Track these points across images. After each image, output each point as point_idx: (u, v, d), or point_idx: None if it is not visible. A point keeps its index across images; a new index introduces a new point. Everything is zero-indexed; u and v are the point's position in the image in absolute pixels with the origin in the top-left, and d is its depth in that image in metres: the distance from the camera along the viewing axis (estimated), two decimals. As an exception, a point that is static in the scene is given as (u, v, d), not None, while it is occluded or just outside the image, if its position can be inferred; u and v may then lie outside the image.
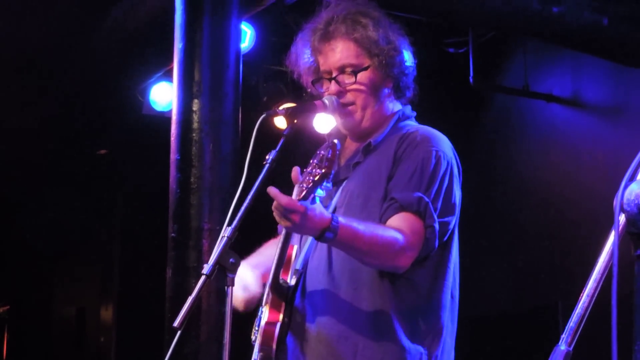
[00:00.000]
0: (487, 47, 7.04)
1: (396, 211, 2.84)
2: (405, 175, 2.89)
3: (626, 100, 6.50)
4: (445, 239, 2.93)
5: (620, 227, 1.64)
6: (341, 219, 2.73)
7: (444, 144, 2.99)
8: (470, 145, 7.40)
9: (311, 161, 2.73)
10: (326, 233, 2.69)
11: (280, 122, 5.07)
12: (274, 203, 2.63)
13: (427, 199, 2.84)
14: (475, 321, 6.51)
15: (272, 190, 2.63)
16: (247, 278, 3.01)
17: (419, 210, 2.83)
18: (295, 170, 2.72)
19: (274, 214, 2.66)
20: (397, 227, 2.82)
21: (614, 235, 1.63)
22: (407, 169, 2.90)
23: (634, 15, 6.08)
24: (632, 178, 1.65)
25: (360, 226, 2.79)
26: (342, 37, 3.00)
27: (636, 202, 1.61)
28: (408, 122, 3.10)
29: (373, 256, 2.83)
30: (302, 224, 2.67)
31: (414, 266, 2.85)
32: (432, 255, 2.90)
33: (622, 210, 1.62)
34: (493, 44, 7.11)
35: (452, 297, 3.01)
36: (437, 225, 2.85)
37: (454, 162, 2.99)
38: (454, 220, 2.96)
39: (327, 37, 3.02)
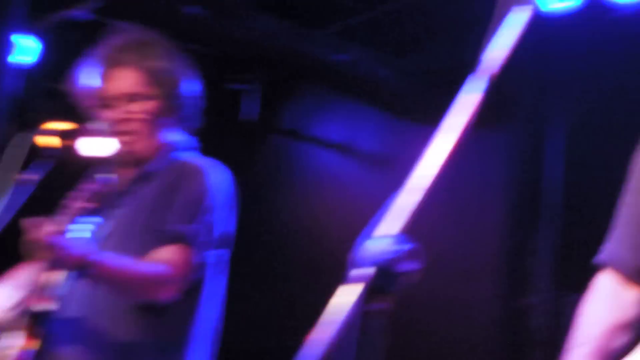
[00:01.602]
0: (271, 87, 7.13)
1: (163, 243, 2.84)
2: (175, 208, 2.89)
3: (396, 151, 6.65)
4: (210, 269, 2.95)
5: (362, 279, 1.66)
6: (100, 256, 2.69)
7: (218, 177, 3.00)
8: (245, 184, 7.47)
9: (73, 193, 2.70)
10: (83, 269, 2.65)
11: (49, 142, 5.11)
12: (26, 235, 2.59)
13: (194, 231, 2.85)
14: (234, 354, 6.53)
15: (25, 222, 2.59)
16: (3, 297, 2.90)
17: (186, 242, 2.84)
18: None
19: (28, 245, 2.62)
20: (163, 259, 2.82)
21: (352, 287, 1.65)
22: (178, 201, 2.90)
23: (412, 71, 6.32)
24: (371, 234, 1.68)
25: (120, 262, 2.77)
26: (131, 65, 2.97)
27: (377, 255, 1.64)
28: (185, 152, 3.09)
29: (134, 291, 2.83)
30: (55, 258, 2.64)
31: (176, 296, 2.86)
32: (195, 286, 2.90)
33: (362, 261, 1.65)
34: (277, 85, 7.20)
35: (209, 328, 3.01)
36: (203, 257, 2.87)
37: (225, 195, 3.01)
38: (221, 251, 2.99)
39: (115, 63, 2.98)
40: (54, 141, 2.93)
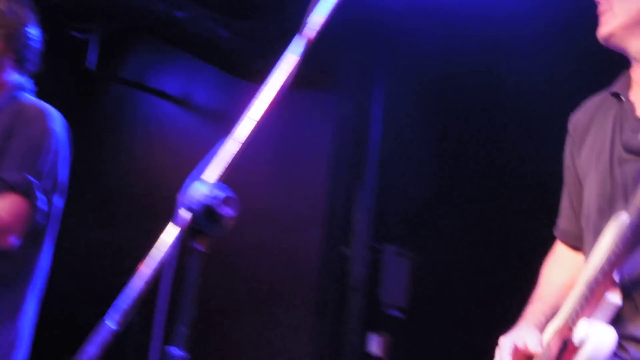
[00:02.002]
0: (113, 36, 6.99)
1: (1, 191, 2.80)
2: (14, 154, 2.84)
3: (230, 108, 6.63)
4: (45, 218, 2.92)
5: (183, 221, 1.71)
6: None
7: (57, 123, 2.96)
8: (82, 130, 7.32)
9: None
10: None
11: None
12: None
13: (32, 179, 2.81)
14: (69, 294, 6.43)
15: None
16: None
17: (24, 191, 2.80)
18: None
19: None
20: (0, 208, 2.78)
21: (175, 228, 1.71)
22: (17, 147, 2.85)
23: (248, 32, 6.34)
24: (200, 178, 1.74)
25: None
26: None
27: (199, 203, 1.70)
28: (26, 95, 3.03)
29: None
30: None
31: None
32: (34, 232, 2.88)
33: (184, 205, 1.71)
34: (119, 34, 7.07)
35: (43, 268, 2.99)
36: (40, 204, 2.84)
37: (64, 141, 2.97)
38: (58, 198, 2.95)
39: None
40: None
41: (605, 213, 2.32)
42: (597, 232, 2.31)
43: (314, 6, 1.86)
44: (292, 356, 6.14)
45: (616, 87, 2.45)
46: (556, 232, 2.65)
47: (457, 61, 6.24)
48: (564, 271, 2.58)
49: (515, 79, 5.91)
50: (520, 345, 2.39)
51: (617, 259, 2.19)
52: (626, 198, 2.26)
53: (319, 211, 6.41)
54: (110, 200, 7.23)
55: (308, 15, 1.85)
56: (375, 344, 6.37)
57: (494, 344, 2.55)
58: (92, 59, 6.90)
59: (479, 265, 6.97)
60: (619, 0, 2.34)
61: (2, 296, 2.87)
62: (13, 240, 2.80)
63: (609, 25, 2.36)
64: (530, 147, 6.31)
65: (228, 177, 1.78)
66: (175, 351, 1.67)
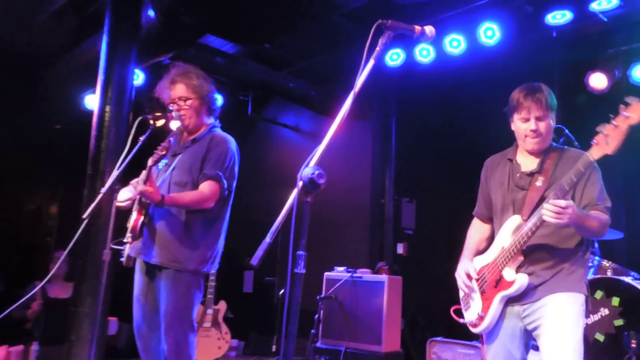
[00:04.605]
0: (260, 96, 7.00)
1: (205, 179, 2.79)
2: (211, 160, 2.82)
3: (319, 131, 6.55)
4: (227, 193, 2.90)
5: (300, 188, 1.73)
6: (168, 196, 2.67)
7: (233, 144, 2.93)
8: (246, 147, 7.31)
9: (158, 147, 2.69)
10: (159, 203, 2.66)
11: (154, 120, 4.85)
12: (140, 187, 2.60)
13: (221, 174, 2.80)
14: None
15: (148, 185, 2.61)
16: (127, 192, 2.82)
17: (217, 179, 2.79)
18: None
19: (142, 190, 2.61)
20: (203, 188, 2.77)
21: (295, 192, 1.74)
22: (212, 157, 2.83)
23: (326, 92, 6.29)
24: (307, 164, 1.76)
25: (179, 195, 2.73)
26: (181, 82, 2.93)
27: (307, 177, 1.70)
28: (217, 129, 3.00)
29: (191, 206, 2.78)
30: (148, 198, 2.65)
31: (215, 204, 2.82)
32: (223, 199, 2.87)
33: (300, 178, 1.73)
34: (263, 95, 7.04)
35: (227, 217, 2.96)
36: (225, 186, 2.82)
37: (236, 155, 2.94)
38: (234, 184, 2.92)
39: (174, 81, 2.95)
40: (157, 121, 2.87)
41: (504, 212, 2.44)
42: (501, 221, 2.44)
43: (358, 76, 1.87)
44: (356, 258, 6.02)
45: (509, 154, 2.51)
46: (474, 212, 2.68)
47: (436, 109, 6.15)
48: (478, 233, 2.64)
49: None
50: (467, 271, 2.49)
51: (524, 243, 2.28)
52: (513, 208, 2.38)
53: (367, 181, 6.32)
54: (262, 180, 7.17)
55: (356, 80, 1.87)
56: (401, 248, 6.31)
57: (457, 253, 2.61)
58: (249, 108, 6.96)
59: (451, 210, 6.89)
60: (545, 133, 2.41)
61: (209, 228, 2.86)
62: (210, 205, 2.79)
63: (540, 145, 2.42)
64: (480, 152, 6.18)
65: (321, 165, 1.79)
66: (301, 253, 1.69)
